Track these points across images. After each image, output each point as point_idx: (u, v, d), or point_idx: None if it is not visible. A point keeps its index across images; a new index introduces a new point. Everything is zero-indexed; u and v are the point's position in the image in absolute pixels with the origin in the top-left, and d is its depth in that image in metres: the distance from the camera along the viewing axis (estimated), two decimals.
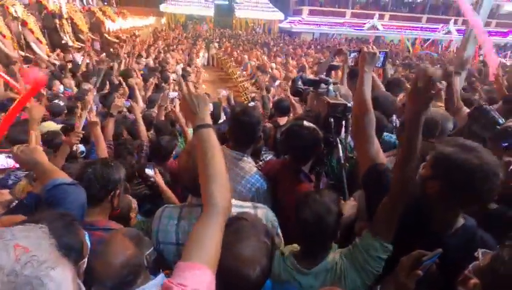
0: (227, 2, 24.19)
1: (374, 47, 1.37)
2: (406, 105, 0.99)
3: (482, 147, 0.95)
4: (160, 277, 0.98)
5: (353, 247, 1.13)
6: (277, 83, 6.71)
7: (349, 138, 1.93)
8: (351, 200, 1.42)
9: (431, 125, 1.49)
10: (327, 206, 1.12)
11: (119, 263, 0.92)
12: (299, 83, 1.76)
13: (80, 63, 6.92)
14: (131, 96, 4.47)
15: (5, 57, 6.61)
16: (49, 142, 2.50)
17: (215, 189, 0.83)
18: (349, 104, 1.45)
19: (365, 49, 1.35)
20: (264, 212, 1.22)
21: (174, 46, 12.74)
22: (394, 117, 2.26)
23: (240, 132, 1.59)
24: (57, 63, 7.09)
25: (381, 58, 1.53)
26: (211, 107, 3.20)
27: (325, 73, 2.46)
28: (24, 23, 7.64)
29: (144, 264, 0.97)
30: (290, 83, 1.99)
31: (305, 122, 1.49)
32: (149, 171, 2.07)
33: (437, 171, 0.97)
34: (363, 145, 1.22)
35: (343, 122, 1.46)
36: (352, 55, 2.46)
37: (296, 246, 1.23)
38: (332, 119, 1.40)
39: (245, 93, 8.17)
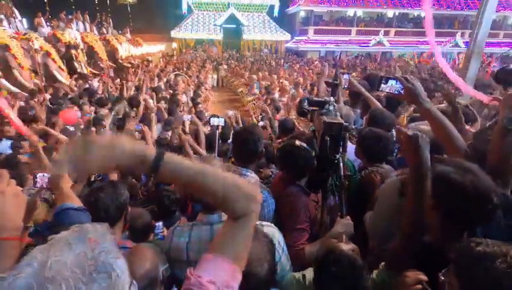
0: (235, 26, 25.09)
1: (412, 77, 1.32)
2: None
3: (479, 170, 0.98)
4: None
5: (371, 281, 1.12)
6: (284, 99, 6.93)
7: (353, 157, 1.99)
8: (346, 218, 1.47)
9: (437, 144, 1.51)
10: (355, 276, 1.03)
11: (139, 274, 0.99)
12: (305, 104, 1.86)
13: (96, 90, 7.36)
14: (144, 120, 4.67)
15: (20, 86, 7.08)
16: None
17: (230, 202, 0.75)
18: (345, 124, 1.52)
19: (406, 84, 1.30)
20: (271, 231, 1.27)
21: (185, 69, 13.23)
22: (393, 132, 2.31)
23: (243, 148, 1.68)
24: (76, 90, 7.53)
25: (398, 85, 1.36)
26: (221, 121, 3.33)
27: (329, 90, 2.58)
28: (48, 54, 8.19)
29: (160, 279, 1.05)
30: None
31: (297, 142, 1.57)
32: (159, 225, 1.98)
33: (434, 189, 1.01)
34: None
35: (340, 141, 1.53)
36: (345, 76, 2.57)
37: None
38: (328, 138, 1.48)
39: (255, 113, 8.34)
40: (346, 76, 2.64)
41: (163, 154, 0.70)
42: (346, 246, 1.11)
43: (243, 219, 0.75)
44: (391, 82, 1.39)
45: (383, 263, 1.13)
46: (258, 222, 1.30)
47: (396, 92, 1.38)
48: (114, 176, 2.33)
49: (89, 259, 0.54)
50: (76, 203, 1.23)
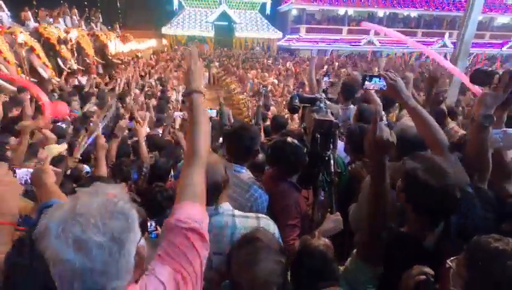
0: (226, 23, 24.93)
1: (394, 73, 1.36)
2: (368, 153, 1.06)
3: (450, 167, 1.02)
4: None
5: (345, 270, 1.17)
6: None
7: (343, 154, 2.02)
8: (335, 214, 1.49)
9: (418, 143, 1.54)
10: (323, 260, 1.13)
11: None
12: (296, 100, 1.87)
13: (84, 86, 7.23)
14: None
15: (10, 82, 6.88)
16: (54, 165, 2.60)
17: (200, 143, 1.01)
18: (335, 121, 1.54)
19: (388, 80, 1.33)
20: (266, 223, 1.29)
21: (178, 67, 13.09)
22: None
23: (238, 145, 1.67)
24: (65, 87, 7.35)
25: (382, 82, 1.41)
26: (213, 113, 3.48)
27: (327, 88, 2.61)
28: (32, 49, 7.96)
29: None
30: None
31: (289, 139, 1.58)
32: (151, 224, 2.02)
33: (404, 184, 1.07)
34: None
35: (331, 138, 1.55)
36: (325, 79, 2.61)
37: None
38: (318, 135, 1.49)
39: (246, 111, 8.33)
40: (325, 78, 2.69)
41: (201, 94, 1.10)
42: (319, 242, 1.17)
43: (197, 162, 0.95)
44: (375, 80, 1.43)
45: (355, 250, 1.16)
46: (254, 215, 1.33)
47: (379, 89, 1.43)
48: (104, 172, 2.30)
49: (111, 203, 0.64)
50: (63, 199, 1.20)
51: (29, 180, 1.28)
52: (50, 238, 0.59)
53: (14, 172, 1.33)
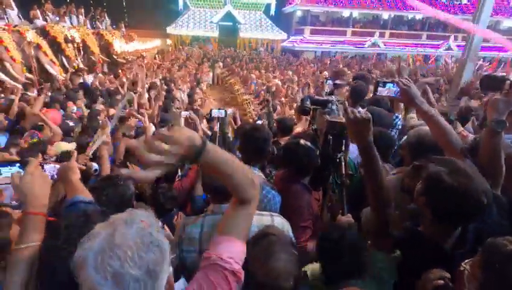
0: (231, 23, 24.98)
1: (408, 79, 1.36)
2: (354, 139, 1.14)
3: (473, 171, 1.01)
4: (182, 282, 1.07)
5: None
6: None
7: (354, 156, 2.01)
8: (347, 215, 1.49)
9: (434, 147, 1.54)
10: (350, 243, 1.12)
11: None
12: (307, 102, 1.87)
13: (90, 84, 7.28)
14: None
15: (13, 79, 6.94)
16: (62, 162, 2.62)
17: (243, 187, 0.85)
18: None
19: (401, 85, 1.33)
20: (280, 221, 1.30)
21: (181, 67, 13.13)
22: (394, 132, 2.35)
23: (251, 147, 1.68)
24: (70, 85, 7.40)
25: (396, 88, 1.38)
26: (221, 113, 3.26)
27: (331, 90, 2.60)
28: (39, 47, 8.02)
29: None
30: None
31: (302, 141, 1.59)
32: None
33: (424, 188, 1.06)
34: None
35: (343, 140, 1.55)
36: (328, 82, 2.60)
37: (316, 268, 1.26)
38: (330, 137, 1.49)
39: (250, 111, 8.35)
40: (329, 81, 2.69)
41: (206, 144, 0.71)
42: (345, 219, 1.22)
43: (248, 203, 0.87)
44: (389, 85, 1.41)
45: (368, 242, 1.18)
46: (268, 213, 1.34)
47: (393, 95, 1.42)
48: (107, 170, 2.31)
49: (145, 233, 0.64)
50: (87, 196, 1.23)
51: (55, 176, 1.30)
52: (88, 269, 0.60)
53: (43, 167, 1.36)
